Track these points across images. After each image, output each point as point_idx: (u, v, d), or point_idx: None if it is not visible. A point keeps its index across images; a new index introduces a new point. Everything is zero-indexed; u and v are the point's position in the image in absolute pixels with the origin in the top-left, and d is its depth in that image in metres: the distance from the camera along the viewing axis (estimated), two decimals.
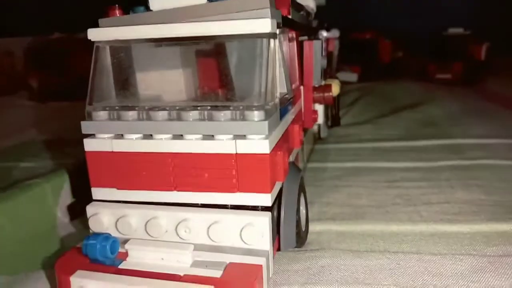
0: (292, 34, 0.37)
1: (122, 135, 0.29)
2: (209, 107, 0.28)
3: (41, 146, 0.63)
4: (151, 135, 0.29)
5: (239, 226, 0.27)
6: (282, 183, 0.30)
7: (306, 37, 0.46)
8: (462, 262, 0.30)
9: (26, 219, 0.37)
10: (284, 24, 0.31)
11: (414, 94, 1.00)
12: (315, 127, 0.53)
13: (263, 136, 0.27)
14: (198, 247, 0.28)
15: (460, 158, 0.54)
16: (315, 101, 0.42)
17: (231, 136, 0.27)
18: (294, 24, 0.37)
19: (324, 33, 0.63)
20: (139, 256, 0.28)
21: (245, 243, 0.27)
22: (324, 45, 0.46)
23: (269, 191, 0.27)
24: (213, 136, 0.28)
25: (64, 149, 0.58)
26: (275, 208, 0.29)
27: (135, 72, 0.31)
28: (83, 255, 0.27)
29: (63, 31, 1.29)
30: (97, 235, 0.28)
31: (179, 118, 0.28)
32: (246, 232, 0.27)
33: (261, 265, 0.26)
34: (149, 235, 0.28)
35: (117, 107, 0.29)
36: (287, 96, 0.32)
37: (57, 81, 1.05)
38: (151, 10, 0.30)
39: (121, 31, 0.29)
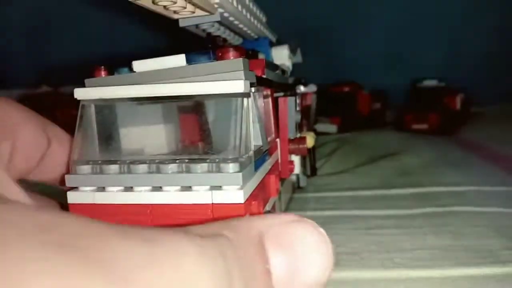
0: (267, 91, 0.39)
1: (104, 187, 0.30)
2: (187, 160, 0.30)
3: None
4: (131, 187, 0.30)
5: None
6: None
7: (282, 93, 0.49)
8: None
9: None
10: (259, 83, 0.35)
11: (391, 144, 1.03)
12: (293, 177, 0.55)
13: (238, 186, 0.28)
14: None
15: (432, 205, 0.55)
16: (291, 152, 0.44)
17: (207, 187, 0.29)
18: (269, 82, 0.39)
19: (302, 88, 0.67)
20: None
21: None
22: (299, 100, 0.49)
23: None
24: (190, 187, 0.29)
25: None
26: None
27: (118, 128, 0.33)
28: None
29: (50, 84, 1.32)
30: None
31: (158, 171, 0.29)
32: None
33: None
34: None
35: (100, 161, 0.31)
36: (262, 148, 0.34)
37: None
38: (134, 72, 0.32)
39: (105, 90, 0.32)
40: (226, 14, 0.40)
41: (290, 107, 0.43)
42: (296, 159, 0.47)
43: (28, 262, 0.12)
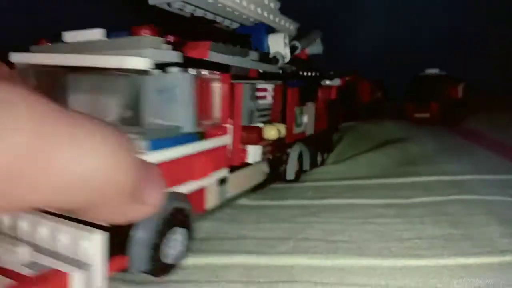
0: (214, 75, 0.39)
1: None
2: None
3: None
4: None
5: (76, 238, 0.29)
6: None
7: (268, 81, 0.49)
8: None
9: None
10: (190, 64, 0.35)
11: (392, 133, 1.02)
12: (264, 167, 0.53)
13: None
14: (41, 250, 0.29)
15: (433, 194, 0.55)
16: (243, 140, 0.43)
17: None
18: (225, 67, 0.39)
19: (327, 82, 0.69)
20: None
21: (78, 255, 0.28)
22: (271, 90, 0.49)
23: None
24: None
25: None
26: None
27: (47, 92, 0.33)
28: None
29: None
30: None
31: None
32: (80, 245, 0.28)
33: (68, 273, 0.27)
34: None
35: None
36: (178, 128, 0.34)
37: None
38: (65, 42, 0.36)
39: (33, 57, 0.35)
40: None
41: (244, 94, 0.42)
42: (253, 148, 0.45)
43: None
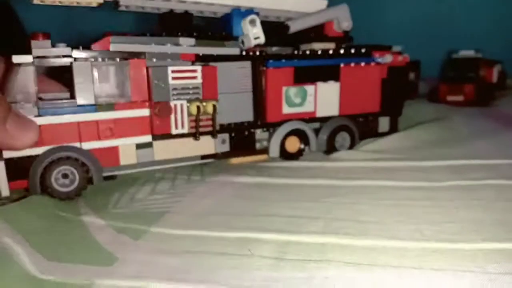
0: (119, 61, 0.50)
1: None
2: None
3: None
4: None
5: None
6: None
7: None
8: (462, 279, 0.30)
9: None
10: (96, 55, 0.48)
11: (424, 115, 0.97)
12: (217, 141, 0.57)
13: None
14: None
15: (464, 178, 0.51)
16: (155, 113, 0.52)
17: None
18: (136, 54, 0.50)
19: (379, 59, 0.65)
20: None
21: None
22: (199, 71, 0.53)
23: None
24: None
25: None
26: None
27: None
28: None
29: None
30: None
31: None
32: None
33: None
34: None
35: None
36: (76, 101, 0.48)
37: None
38: None
39: None
40: None
41: (153, 75, 0.51)
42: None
43: None
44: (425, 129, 0.80)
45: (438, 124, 0.85)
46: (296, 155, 0.62)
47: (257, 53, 0.58)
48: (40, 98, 0.47)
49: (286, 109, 0.60)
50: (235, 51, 0.56)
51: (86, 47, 0.48)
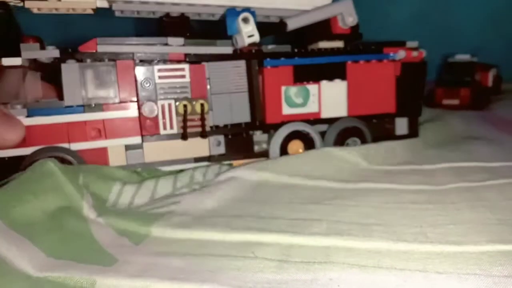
0: (108, 62, 0.50)
1: None
2: None
3: None
4: None
5: None
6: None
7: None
8: (467, 282, 0.30)
9: None
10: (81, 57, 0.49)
11: (421, 119, 0.95)
12: (211, 142, 0.56)
13: None
14: None
15: (466, 180, 0.51)
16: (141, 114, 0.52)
17: None
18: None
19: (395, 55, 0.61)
20: None
21: None
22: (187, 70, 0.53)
23: None
24: None
25: None
26: None
27: None
28: None
29: None
30: None
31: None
32: None
33: None
34: None
35: None
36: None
37: None
38: None
39: None
40: None
41: (138, 75, 0.51)
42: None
43: None
44: (423, 132, 0.77)
45: (435, 128, 0.84)
46: None
47: (253, 51, 0.56)
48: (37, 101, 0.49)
49: (287, 110, 0.58)
50: (227, 50, 0.55)
51: (74, 49, 0.49)
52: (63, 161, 0.48)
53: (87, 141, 0.50)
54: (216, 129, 0.55)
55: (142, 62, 0.51)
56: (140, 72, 0.51)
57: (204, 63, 0.54)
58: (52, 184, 0.40)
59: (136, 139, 0.52)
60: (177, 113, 0.52)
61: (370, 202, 0.45)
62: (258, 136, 0.57)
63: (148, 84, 0.51)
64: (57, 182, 0.41)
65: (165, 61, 0.52)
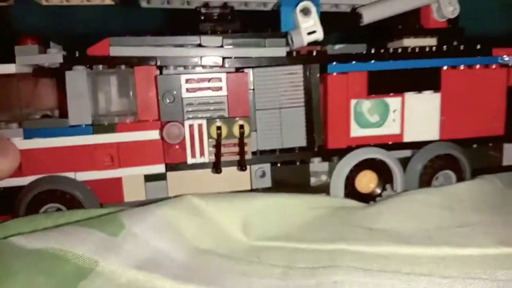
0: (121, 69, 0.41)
1: None
2: None
3: None
4: None
5: None
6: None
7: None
8: (471, 286, 0.30)
9: None
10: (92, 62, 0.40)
11: None
12: (253, 173, 0.45)
13: None
14: None
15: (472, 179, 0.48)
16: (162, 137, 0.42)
17: None
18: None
19: (505, 58, 0.47)
20: None
21: None
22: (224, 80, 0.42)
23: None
24: None
25: None
26: None
27: None
28: None
29: None
30: None
31: None
32: None
33: None
34: None
35: None
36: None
37: None
38: None
39: None
40: None
41: (160, 87, 0.41)
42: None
43: None
44: None
45: None
46: (371, 198, 0.46)
47: (314, 53, 0.44)
48: (47, 115, 0.43)
49: (357, 131, 0.45)
50: (279, 52, 0.43)
51: (83, 52, 0.40)
52: (65, 195, 0.39)
53: (97, 170, 0.41)
54: (260, 156, 0.43)
55: (167, 69, 0.41)
56: (163, 82, 0.41)
57: (248, 70, 0.42)
58: None
59: (158, 168, 0.42)
60: (210, 137, 0.42)
61: (376, 205, 0.43)
62: (317, 165, 0.45)
63: (172, 99, 0.41)
64: None
65: (196, 68, 0.42)
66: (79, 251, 0.29)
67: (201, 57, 0.41)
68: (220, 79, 0.42)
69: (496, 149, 0.49)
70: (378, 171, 0.45)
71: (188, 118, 0.41)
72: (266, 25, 0.44)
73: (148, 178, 0.42)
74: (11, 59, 0.38)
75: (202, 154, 0.42)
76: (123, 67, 0.40)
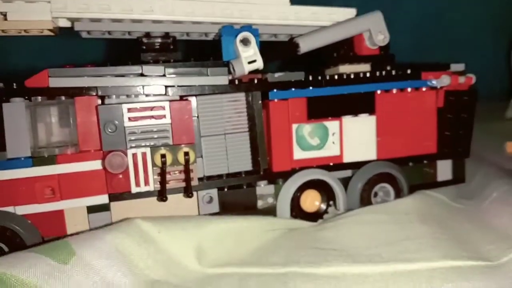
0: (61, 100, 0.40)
1: None
2: None
3: None
4: None
5: None
6: None
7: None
8: None
9: None
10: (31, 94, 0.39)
11: None
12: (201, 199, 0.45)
13: None
14: None
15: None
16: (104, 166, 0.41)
17: None
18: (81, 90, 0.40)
19: (433, 81, 0.49)
20: None
21: None
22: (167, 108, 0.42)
23: None
24: None
25: None
26: None
27: None
28: None
29: None
30: None
31: None
32: None
33: None
34: None
35: None
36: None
37: None
38: None
39: None
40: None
41: (101, 116, 0.40)
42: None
43: None
44: None
45: None
46: (318, 216, 0.47)
47: (255, 81, 0.44)
48: None
49: (299, 154, 0.46)
50: (221, 80, 0.43)
51: (21, 84, 0.39)
52: (5, 231, 0.38)
53: (38, 203, 0.39)
54: (207, 181, 0.43)
55: (109, 98, 0.41)
56: (104, 112, 0.40)
57: (191, 98, 0.43)
58: None
59: (101, 199, 0.41)
60: (154, 165, 0.41)
61: (329, 226, 0.43)
62: (263, 188, 0.46)
63: (114, 129, 0.40)
64: None
65: (139, 96, 0.41)
66: (24, 276, 0.28)
67: (143, 86, 0.41)
68: (163, 107, 0.41)
69: (431, 166, 0.51)
70: (321, 190, 0.46)
71: (131, 147, 0.41)
72: (208, 54, 0.45)
73: (91, 209, 0.41)
74: None
75: (146, 182, 0.41)
76: (63, 97, 0.39)
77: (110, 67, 0.41)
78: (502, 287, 0.32)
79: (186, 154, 0.41)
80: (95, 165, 0.40)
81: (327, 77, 0.46)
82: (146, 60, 0.42)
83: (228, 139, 0.44)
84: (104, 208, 0.41)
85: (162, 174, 0.41)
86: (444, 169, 0.52)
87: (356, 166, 0.48)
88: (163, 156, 0.41)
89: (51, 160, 0.39)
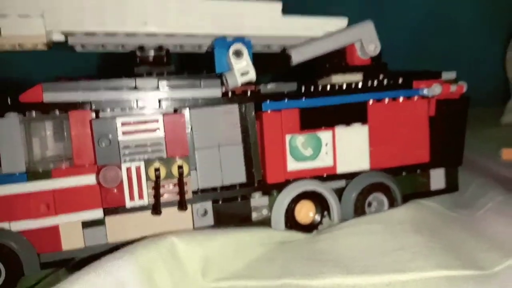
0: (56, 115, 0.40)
1: None
2: None
3: None
4: None
5: None
6: None
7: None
8: None
9: None
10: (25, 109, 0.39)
11: None
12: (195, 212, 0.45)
13: None
14: None
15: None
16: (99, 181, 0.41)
17: None
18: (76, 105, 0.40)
19: (425, 90, 0.49)
20: None
21: None
22: (161, 121, 0.42)
23: None
24: None
25: None
26: None
27: None
28: None
29: None
30: None
31: None
32: None
33: None
34: None
35: None
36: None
37: None
38: None
39: None
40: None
41: (95, 130, 0.40)
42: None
43: None
44: None
45: None
46: (312, 227, 0.47)
47: (248, 93, 0.45)
48: None
49: (293, 165, 0.46)
50: (215, 92, 0.44)
51: (15, 99, 0.39)
52: (1, 249, 0.38)
53: (33, 219, 0.39)
54: (201, 194, 0.43)
55: (103, 111, 0.41)
56: (98, 126, 0.40)
57: (185, 111, 0.43)
58: None
59: (96, 213, 0.41)
60: (148, 178, 0.41)
61: (324, 237, 0.43)
62: (257, 199, 0.46)
63: (108, 143, 0.40)
64: None
65: (133, 110, 0.42)
66: None
67: (137, 100, 0.41)
68: (157, 121, 0.41)
69: (424, 175, 0.52)
70: (315, 201, 0.47)
71: (125, 161, 0.41)
72: (201, 66, 0.45)
73: (86, 224, 0.41)
74: None
75: (141, 196, 0.41)
76: (57, 112, 0.39)
77: (103, 80, 0.41)
78: None
79: (180, 167, 0.41)
80: (90, 179, 0.40)
81: (320, 88, 0.46)
82: (140, 73, 0.42)
83: (222, 151, 0.44)
84: (99, 223, 0.41)
85: (156, 187, 0.41)
86: (437, 178, 0.52)
87: (349, 176, 0.48)
88: (157, 169, 0.41)
89: (46, 174, 0.39)
